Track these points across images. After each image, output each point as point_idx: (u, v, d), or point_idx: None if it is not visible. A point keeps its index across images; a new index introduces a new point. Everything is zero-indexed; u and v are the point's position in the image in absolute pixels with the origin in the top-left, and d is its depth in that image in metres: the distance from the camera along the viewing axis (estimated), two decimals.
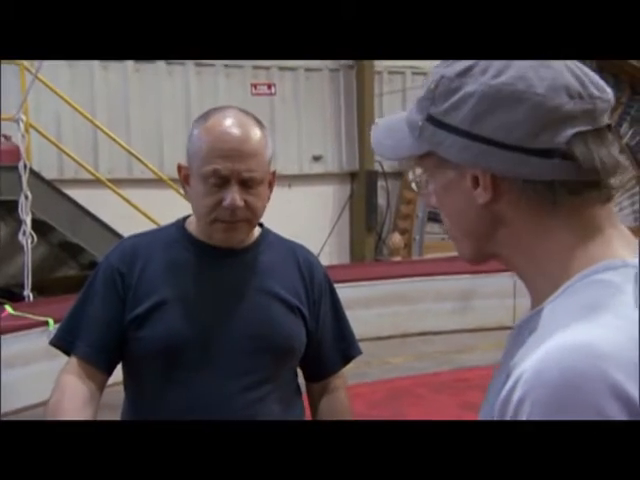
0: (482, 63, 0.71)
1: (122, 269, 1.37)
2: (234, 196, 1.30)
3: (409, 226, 8.47)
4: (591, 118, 0.68)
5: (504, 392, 0.64)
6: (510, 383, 0.64)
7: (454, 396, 4.82)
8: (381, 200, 8.65)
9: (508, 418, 0.64)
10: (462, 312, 6.73)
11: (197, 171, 1.33)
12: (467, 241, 0.76)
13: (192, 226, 1.43)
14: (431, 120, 0.72)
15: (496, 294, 6.77)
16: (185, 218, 1.47)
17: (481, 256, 0.77)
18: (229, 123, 1.33)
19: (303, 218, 7.60)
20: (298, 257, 1.46)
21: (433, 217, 8.79)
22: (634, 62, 8.60)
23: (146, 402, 1.37)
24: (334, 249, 8.19)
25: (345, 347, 1.51)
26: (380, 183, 8.58)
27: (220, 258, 1.38)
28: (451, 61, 0.73)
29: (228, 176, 1.30)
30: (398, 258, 8.12)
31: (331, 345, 1.48)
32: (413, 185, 0.80)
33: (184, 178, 1.40)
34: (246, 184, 1.31)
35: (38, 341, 4.72)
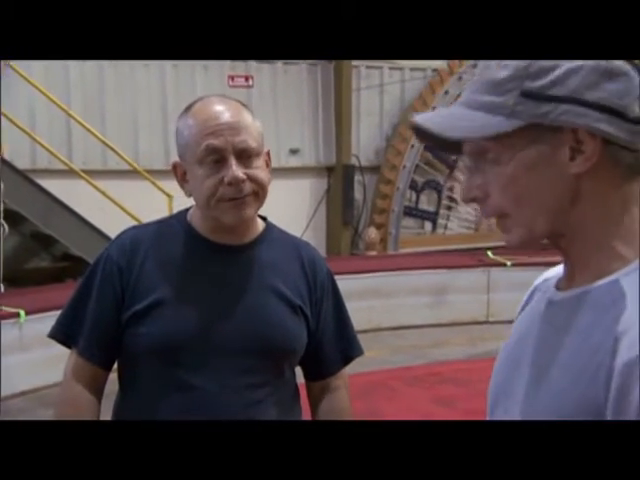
0: None
1: (121, 263, 1.33)
2: (234, 170, 1.27)
3: (385, 220, 8.51)
4: None
5: (631, 354, 0.70)
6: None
7: (427, 390, 4.86)
8: (357, 194, 8.68)
9: None
10: (436, 307, 6.78)
11: (192, 158, 1.31)
12: (539, 220, 0.80)
13: (194, 220, 1.39)
14: (529, 95, 0.77)
15: (470, 289, 6.83)
16: (187, 211, 1.43)
17: (542, 237, 0.83)
18: (214, 103, 1.33)
19: (280, 211, 7.55)
20: (302, 254, 1.42)
21: (409, 212, 8.85)
22: None
23: (142, 399, 1.35)
24: (310, 243, 8.19)
25: (346, 347, 1.47)
26: (357, 177, 8.59)
27: (222, 254, 1.35)
28: None
29: (224, 150, 1.28)
30: (374, 252, 8.15)
31: (332, 345, 1.44)
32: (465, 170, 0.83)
33: (181, 176, 1.36)
34: (243, 156, 1.29)
35: (9, 333, 4.65)
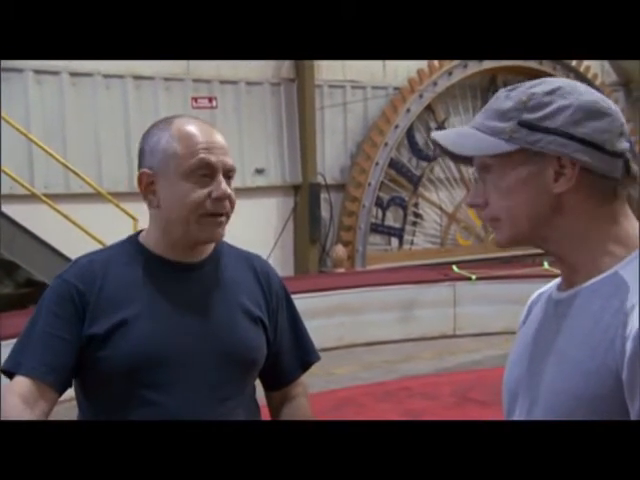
0: (566, 86, 0.95)
1: (80, 286, 1.32)
2: (225, 186, 1.32)
3: (352, 238, 8.55)
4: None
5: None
6: None
7: (397, 404, 4.88)
8: (324, 212, 8.72)
9: None
10: (405, 322, 6.83)
11: (176, 170, 1.32)
12: (524, 224, 0.95)
13: (148, 241, 1.39)
14: (525, 125, 0.93)
15: (437, 303, 6.89)
16: (138, 234, 1.43)
17: (526, 238, 0.97)
18: (197, 122, 1.36)
19: (247, 231, 7.57)
20: (255, 266, 1.45)
21: (375, 228, 8.91)
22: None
23: (109, 419, 1.31)
24: (278, 261, 8.20)
25: (303, 354, 1.50)
26: (323, 195, 8.64)
27: (179, 273, 1.36)
28: (538, 82, 0.97)
29: (216, 167, 1.31)
30: (342, 269, 8.18)
31: (289, 353, 1.47)
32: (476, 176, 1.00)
33: (146, 186, 1.35)
34: (228, 177, 1.34)
35: None
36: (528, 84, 0.97)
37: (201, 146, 1.32)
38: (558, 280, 1.01)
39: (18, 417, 1.23)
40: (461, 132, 1.00)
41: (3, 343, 4.31)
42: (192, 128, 1.34)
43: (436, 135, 1.00)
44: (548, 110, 0.93)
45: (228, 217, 1.36)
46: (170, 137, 1.33)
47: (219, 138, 1.36)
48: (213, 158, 1.32)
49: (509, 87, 0.98)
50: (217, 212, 1.32)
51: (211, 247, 1.42)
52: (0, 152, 5.89)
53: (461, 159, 1.01)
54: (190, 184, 1.31)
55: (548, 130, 0.92)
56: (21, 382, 1.28)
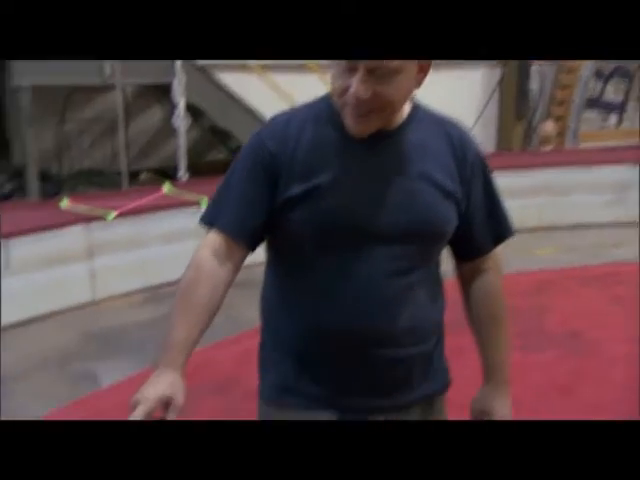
0: None
1: (273, 148, 1.33)
2: (358, 86, 1.24)
3: (564, 113, 7.95)
4: None
5: None
6: None
7: (602, 290, 4.65)
8: (534, 85, 8.13)
9: None
10: (616, 204, 6.35)
11: None
12: None
13: None
14: None
15: None
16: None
17: None
18: None
19: (448, 104, 7.31)
20: (451, 134, 1.39)
21: (591, 103, 8.16)
22: None
23: (293, 282, 1.38)
24: (480, 138, 7.90)
25: (497, 228, 1.47)
26: (534, 67, 8.02)
27: (371, 140, 1.33)
28: None
29: (355, 62, 1.24)
30: (549, 147, 7.70)
31: (482, 225, 1.44)
32: None
33: None
34: (375, 73, 1.24)
35: (193, 218, 5.03)
36: None
37: None
38: None
39: (209, 269, 1.32)
40: None
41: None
42: None
43: None
44: None
45: (382, 112, 1.27)
46: None
47: None
48: None
49: None
50: (354, 108, 1.26)
51: (404, 113, 1.37)
52: None
53: None
54: (336, 71, 1.26)
55: None
56: (215, 237, 1.35)
